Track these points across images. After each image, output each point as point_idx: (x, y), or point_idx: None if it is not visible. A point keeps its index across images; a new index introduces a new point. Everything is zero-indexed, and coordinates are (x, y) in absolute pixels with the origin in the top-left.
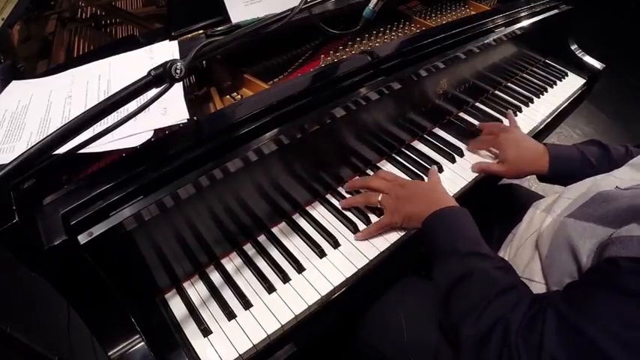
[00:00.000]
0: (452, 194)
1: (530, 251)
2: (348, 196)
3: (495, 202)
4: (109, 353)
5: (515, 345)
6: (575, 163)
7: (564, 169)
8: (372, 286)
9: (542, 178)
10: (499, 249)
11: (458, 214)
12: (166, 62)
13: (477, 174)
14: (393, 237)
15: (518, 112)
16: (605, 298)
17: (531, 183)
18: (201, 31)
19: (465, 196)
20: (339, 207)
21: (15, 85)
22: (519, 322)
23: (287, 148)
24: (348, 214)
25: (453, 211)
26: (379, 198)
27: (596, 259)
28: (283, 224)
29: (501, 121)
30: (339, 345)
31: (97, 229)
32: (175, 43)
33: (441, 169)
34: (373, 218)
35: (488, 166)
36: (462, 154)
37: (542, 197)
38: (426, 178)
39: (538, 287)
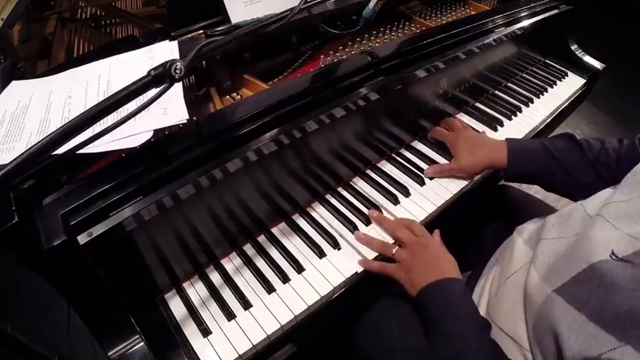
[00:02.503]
0: (452, 194)
1: (511, 302)
2: (348, 196)
3: (492, 204)
4: (109, 353)
5: None
6: (536, 155)
7: (525, 163)
8: (372, 286)
9: (507, 177)
10: (492, 254)
11: (454, 289)
12: (166, 62)
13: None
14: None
15: (518, 112)
16: None
17: (529, 185)
18: (201, 31)
19: (465, 196)
20: (340, 209)
21: (15, 85)
22: None
23: (287, 148)
24: (348, 214)
25: (448, 283)
26: (394, 251)
27: None
28: (283, 224)
29: (501, 121)
30: (332, 352)
31: (97, 230)
32: (175, 43)
33: None
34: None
35: (441, 167)
36: None
37: (539, 201)
38: (426, 180)
39: (526, 355)
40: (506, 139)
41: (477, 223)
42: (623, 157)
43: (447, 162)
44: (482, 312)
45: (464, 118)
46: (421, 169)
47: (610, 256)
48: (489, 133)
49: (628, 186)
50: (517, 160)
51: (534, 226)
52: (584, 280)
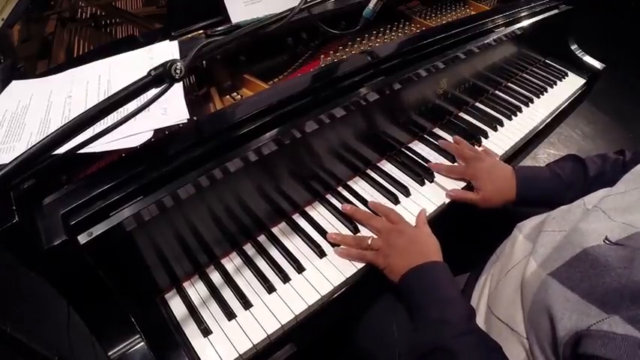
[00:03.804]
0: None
1: (511, 292)
2: (348, 196)
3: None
4: (109, 353)
5: None
6: (544, 181)
7: (534, 191)
8: (373, 286)
9: (516, 204)
10: (483, 268)
11: (435, 272)
12: (166, 62)
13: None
14: None
15: (518, 112)
16: None
17: None
18: (201, 31)
19: None
20: (340, 208)
21: (15, 85)
22: None
23: (287, 148)
24: None
25: (432, 267)
26: (369, 241)
27: (572, 345)
28: (283, 224)
29: (501, 121)
30: (333, 352)
31: (97, 229)
32: (175, 43)
33: None
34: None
35: (464, 194)
36: None
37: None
38: (426, 179)
39: (523, 342)
40: (514, 168)
41: (477, 223)
42: (628, 163)
43: (457, 165)
44: (482, 308)
45: (464, 117)
46: (421, 169)
47: (603, 241)
48: (489, 132)
49: (626, 180)
50: (526, 188)
51: (535, 222)
52: (577, 263)
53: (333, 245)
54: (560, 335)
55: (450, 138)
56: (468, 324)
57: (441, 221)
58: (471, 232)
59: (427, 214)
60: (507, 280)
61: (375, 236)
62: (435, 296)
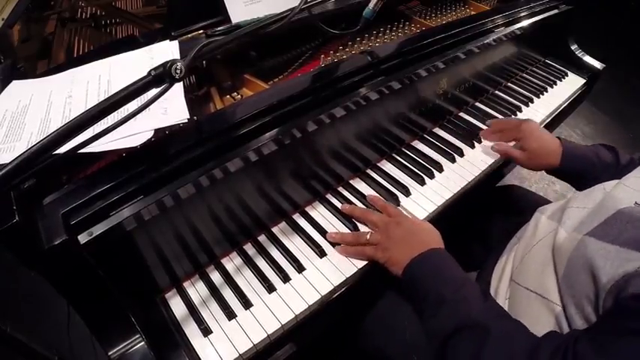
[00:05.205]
0: (452, 194)
1: (539, 263)
2: (348, 196)
3: (495, 204)
4: (109, 353)
5: None
6: (587, 162)
7: (576, 166)
8: (372, 286)
9: (550, 172)
10: (502, 251)
11: (440, 257)
12: (166, 62)
13: (476, 174)
14: None
15: (518, 112)
16: (637, 344)
17: (531, 183)
18: (201, 31)
19: (465, 196)
20: (340, 208)
21: (15, 85)
22: None
23: (287, 148)
24: None
25: (435, 253)
26: (368, 236)
27: (618, 289)
28: (283, 224)
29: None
30: (341, 346)
31: (97, 229)
32: (175, 43)
33: (441, 169)
34: None
35: (510, 150)
36: (462, 154)
37: (542, 199)
38: (426, 179)
39: (553, 308)
40: (560, 139)
41: (481, 222)
42: None
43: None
44: (504, 286)
45: (464, 117)
46: (421, 169)
47: (634, 204)
48: None
49: None
50: (570, 162)
51: (557, 205)
52: (613, 221)
53: (333, 245)
54: (602, 284)
55: (450, 138)
56: (485, 297)
57: (443, 221)
58: (474, 231)
59: (428, 214)
60: (533, 253)
61: (373, 231)
62: (444, 278)
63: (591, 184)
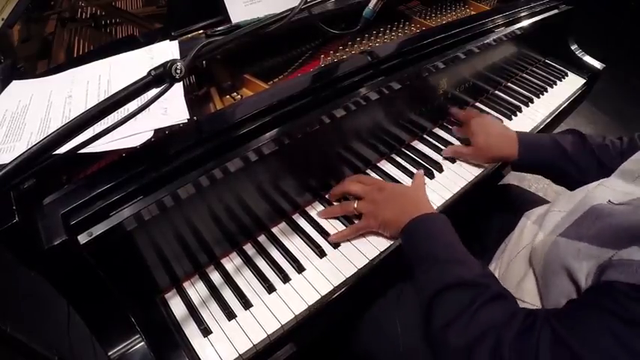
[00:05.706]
0: (452, 194)
1: (522, 268)
2: (348, 196)
3: (493, 204)
4: (109, 353)
5: (507, 358)
6: (546, 149)
7: (535, 156)
8: (373, 286)
9: (515, 167)
10: (494, 253)
11: (436, 221)
12: (166, 62)
13: (476, 174)
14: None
15: (518, 112)
16: (604, 322)
17: (531, 183)
18: (201, 31)
19: (465, 196)
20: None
21: (15, 85)
22: (512, 336)
23: (287, 148)
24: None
25: (431, 217)
26: (355, 205)
27: (595, 279)
28: (283, 224)
29: (501, 121)
30: (336, 351)
31: (97, 229)
32: (175, 43)
33: (441, 169)
34: None
35: (458, 150)
36: None
37: (540, 198)
38: (426, 179)
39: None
40: (516, 132)
41: (480, 222)
42: (625, 151)
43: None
44: None
45: None
46: (421, 169)
47: (607, 202)
48: None
49: (623, 169)
50: (527, 152)
51: (542, 209)
52: (583, 220)
53: (333, 245)
54: (581, 282)
55: (450, 138)
56: (486, 269)
57: None
58: (473, 231)
59: None
60: (517, 260)
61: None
62: (444, 241)
63: (573, 174)
